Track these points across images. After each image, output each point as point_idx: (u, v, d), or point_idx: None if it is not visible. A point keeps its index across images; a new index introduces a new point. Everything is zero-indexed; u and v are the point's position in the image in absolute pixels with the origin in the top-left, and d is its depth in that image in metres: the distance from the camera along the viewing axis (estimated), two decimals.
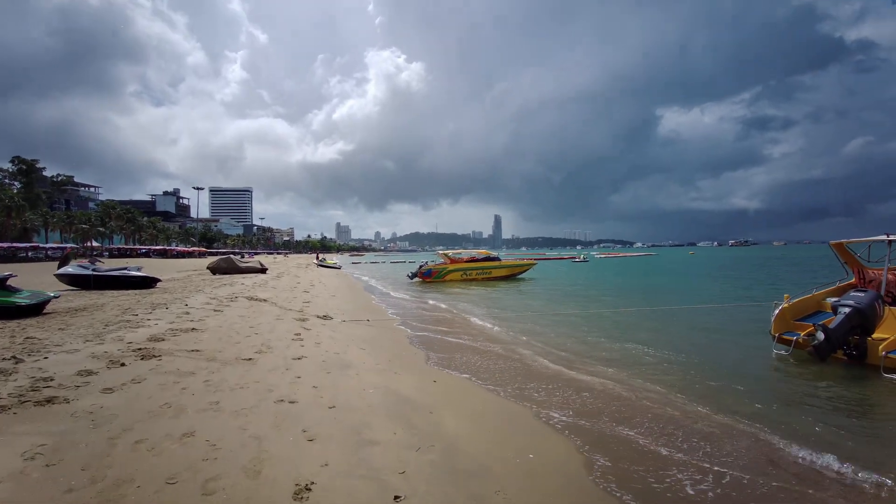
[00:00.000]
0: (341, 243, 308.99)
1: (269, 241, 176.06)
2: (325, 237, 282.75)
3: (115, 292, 12.96)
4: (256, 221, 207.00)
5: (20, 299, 7.98)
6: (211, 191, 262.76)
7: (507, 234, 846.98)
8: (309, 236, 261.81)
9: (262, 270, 25.49)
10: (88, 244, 76.21)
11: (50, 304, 8.96)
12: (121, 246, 77.99)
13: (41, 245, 54.83)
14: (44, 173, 75.66)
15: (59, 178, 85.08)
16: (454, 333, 9.35)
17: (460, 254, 31.14)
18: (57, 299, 9.42)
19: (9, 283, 8.43)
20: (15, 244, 46.81)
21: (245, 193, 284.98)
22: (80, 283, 14.19)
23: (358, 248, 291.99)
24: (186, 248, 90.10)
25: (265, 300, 12.35)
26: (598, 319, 11.40)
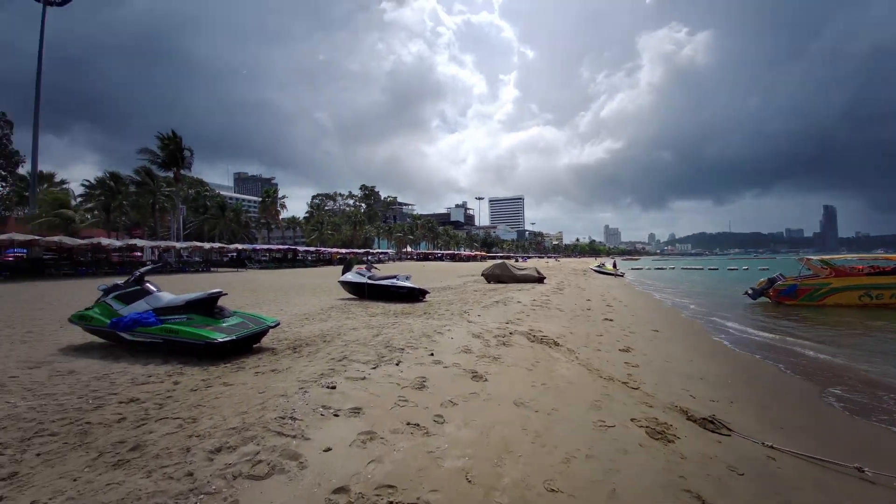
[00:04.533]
0: (611, 247, 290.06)
1: (539, 245, 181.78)
2: (594, 240, 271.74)
3: (375, 308, 10.38)
4: (528, 227, 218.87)
5: (213, 334, 5.25)
6: (490, 201, 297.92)
7: (846, 231, 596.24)
8: (577, 240, 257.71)
9: (540, 279, 21.09)
10: (404, 250, 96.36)
11: (270, 335, 6.24)
12: (424, 251, 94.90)
13: (371, 250, 70.97)
14: (380, 196, 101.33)
15: (388, 199, 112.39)
16: None
17: (848, 259, 18.86)
18: (276, 328, 6.45)
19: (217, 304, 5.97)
20: (355, 251, 61.48)
21: (518, 201, 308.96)
22: (358, 290, 12.79)
23: (630, 252, 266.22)
24: (471, 252, 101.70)
25: (556, 343, 6.88)
26: None
